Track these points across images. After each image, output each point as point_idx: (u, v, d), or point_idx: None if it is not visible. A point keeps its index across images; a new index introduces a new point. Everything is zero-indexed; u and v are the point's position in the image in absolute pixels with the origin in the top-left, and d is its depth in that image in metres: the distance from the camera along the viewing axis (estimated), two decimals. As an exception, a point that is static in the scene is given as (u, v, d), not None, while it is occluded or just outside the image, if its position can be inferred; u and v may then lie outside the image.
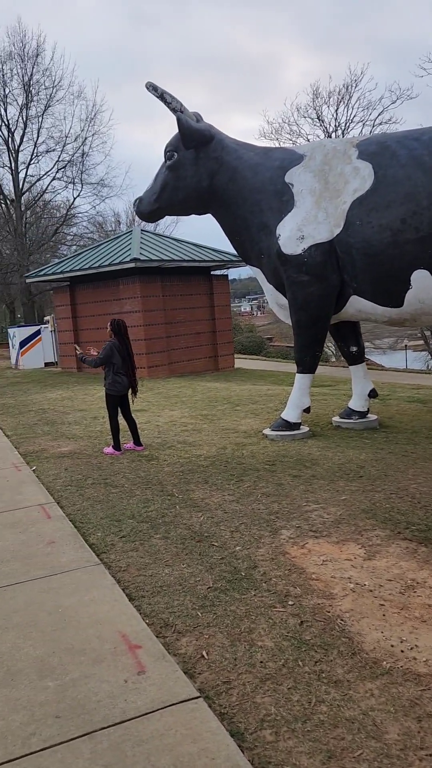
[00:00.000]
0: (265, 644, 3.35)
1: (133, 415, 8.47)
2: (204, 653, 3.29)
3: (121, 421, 8.28)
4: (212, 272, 19.13)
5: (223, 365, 19.06)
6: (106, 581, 4.21)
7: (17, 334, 22.48)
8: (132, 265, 15.76)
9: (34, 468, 7.52)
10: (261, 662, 3.18)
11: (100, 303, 17.97)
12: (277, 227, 8.26)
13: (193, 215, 9.47)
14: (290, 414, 8.57)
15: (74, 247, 33.98)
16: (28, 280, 20.20)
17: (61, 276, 18.22)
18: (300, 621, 3.56)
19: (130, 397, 8.34)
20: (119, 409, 8.32)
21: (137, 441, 8.27)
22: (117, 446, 8.10)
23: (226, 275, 19.45)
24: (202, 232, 38.43)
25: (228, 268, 19.33)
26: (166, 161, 8.94)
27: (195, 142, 8.59)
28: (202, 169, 8.74)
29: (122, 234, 19.29)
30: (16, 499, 6.32)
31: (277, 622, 3.57)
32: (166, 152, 8.90)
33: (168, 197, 9.02)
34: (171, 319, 17.38)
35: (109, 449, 8.11)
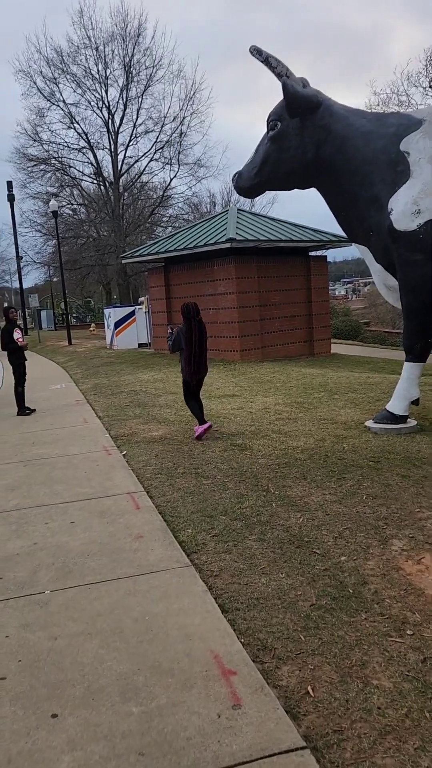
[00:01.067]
0: (382, 684, 2.84)
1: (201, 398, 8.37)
2: (309, 689, 2.83)
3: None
4: (310, 253, 18.37)
5: (319, 350, 18.33)
6: (196, 587, 3.83)
7: (112, 314, 22.73)
8: (227, 245, 15.32)
9: (125, 453, 7.30)
10: (378, 708, 2.67)
11: (193, 284, 17.70)
12: (389, 201, 7.51)
13: (295, 190, 8.86)
14: (397, 406, 7.87)
15: (169, 228, 34.04)
16: (123, 261, 20.25)
17: (155, 257, 18.10)
18: (423, 657, 3.02)
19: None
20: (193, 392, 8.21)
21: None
22: (201, 421, 7.91)
23: (325, 256, 18.63)
24: (299, 212, 37.36)
25: (327, 248, 18.50)
26: (268, 132, 8.37)
27: (301, 110, 7.96)
28: (308, 138, 8.10)
29: (218, 214, 18.88)
30: (106, 485, 6.08)
31: (394, 656, 3.04)
32: (268, 122, 8.32)
33: (270, 171, 8.46)
34: (266, 301, 16.84)
35: (198, 428, 7.83)
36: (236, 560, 4.21)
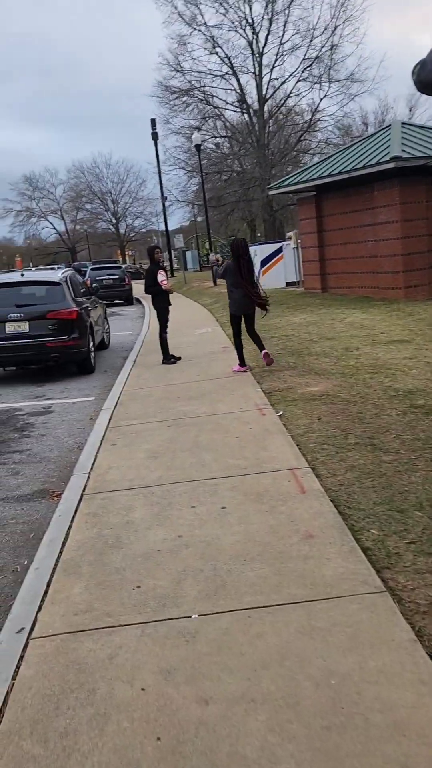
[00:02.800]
0: None
1: (256, 329, 8.78)
2: None
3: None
4: None
5: None
6: (399, 632, 2.71)
7: (258, 252, 21.45)
8: (392, 165, 13.29)
9: (281, 413, 6.24)
10: None
11: (349, 214, 15.87)
12: None
13: None
14: None
15: (316, 156, 31.56)
16: (270, 192, 18.76)
17: (306, 185, 16.41)
18: None
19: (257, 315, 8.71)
20: (242, 327, 8.64)
21: (263, 351, 8.50)
22: (242, 362, 8.58)
23: None
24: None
25: None
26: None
27: None
28: None
29: (378, 131, 16.62)
30: (261, 456, 5.07)
31: None
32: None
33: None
34: (435, 229, 14.62)
35: (236, 367, 8.55)
36: (450, 588, 3.01)
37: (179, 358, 9.96)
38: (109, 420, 6.76)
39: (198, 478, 4.75)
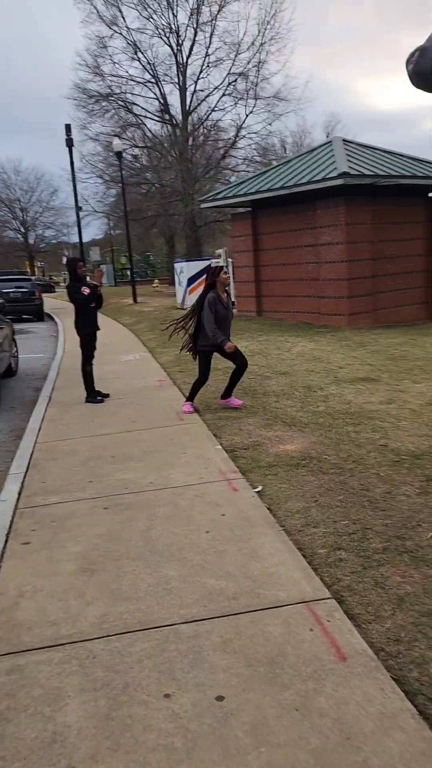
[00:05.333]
0: None
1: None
2: None
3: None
4: (429, 194, 14.99)
5: (438, 314, 15.13)
6: None
7: (185, 269, 19.94)
8: (340, 181, 12.19)
9: (259, 488, 4.63)
10: None
11: (289, 233, 14.67)
12: None
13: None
14: None
15: (233, 177, 30.59)
16: (203, 206, 17.32)
17: (242, 200, 15.08)
18: None
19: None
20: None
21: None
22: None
23: (449, 198, 15.19)
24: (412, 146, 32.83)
25: (455, 188, 15.06)
26: None
27: None
28: None
29: (318, 146, 15.59)
30: (253, 572, 3.42)
31: None
32: None
33: None
34: (379, 254, 13.71)
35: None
36: None
37: (107, 395, 8.16)
38: (19, 494, 4.88)
39: (164, 620, 3.04)
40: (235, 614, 3.03)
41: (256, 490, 4.60)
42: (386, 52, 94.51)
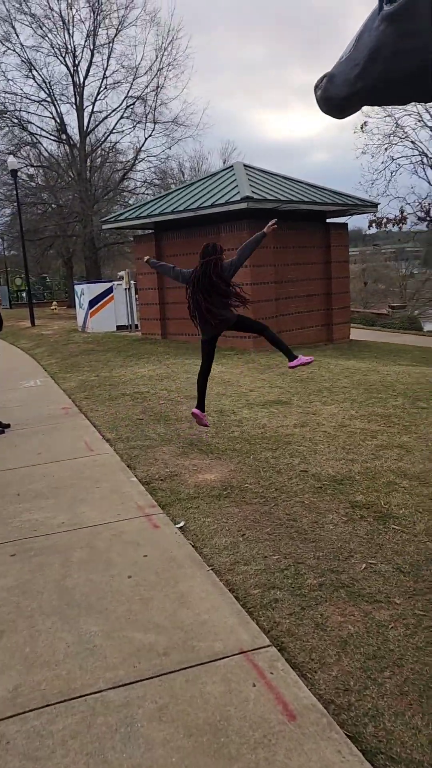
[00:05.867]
0: None
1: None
2: None
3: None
4: (328, 220, 15.51)
5: (338, 336, 15.59)
6: None
7: (86, 291, 19.38)
8: (244, 205, 12.29)
9: (182, 524, 4.35)
10: None
11: (193, 255, 14.50)
12: None
13: (410, 105, 5.94)
14: None
15: (132, 199, 30.46)
16: (105, 227, 16.93)
17: (145, 221, 14.87)
18: None
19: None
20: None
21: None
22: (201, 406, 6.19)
23: (345, 224, 15.79)
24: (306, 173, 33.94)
25: (351, 214, 15.68)
26: (381, 7, 5.36)
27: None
28: (450, 17, 5.16)
29: (221, 170, 15.74)
30: (183, 620, 3.12)
31: None
32: (383, -8, 5.32)
33: (383, 70, 5.37)
34: (282, 277, 13.93)
35: (196, 412, 6.15)
36: None
37: (8, 426, 7.58)
38: None
39: (89, 686, 2.67)
40: (168, 673, 2.73)
41: (179, 525, 4.31)
42: (276, 86, 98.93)
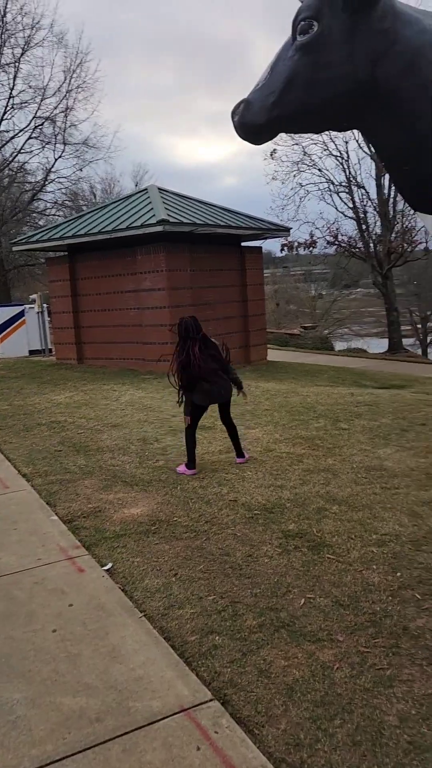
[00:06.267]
0: None
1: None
2: None
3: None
4: (242, 243, 15.68)
5: (255, 357, 15.70)
6: None
7: (-5, 315, 18.59)
8: (159, 228, 12.17)
9: (110, 566, 4.07)
10: None
11: (109, 278, 14.31)
12: None
13: (328, 132, 6.05)
14: None
15: (43, 221, 29.75)
16: (15, 248, 16.28)
17: (58, 243, 14.44)
18: None
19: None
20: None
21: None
22: (191, 463, 6.14)
23: (260, 248, 15.99)
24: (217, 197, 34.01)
25: (266, 238, 15.91)
26: (295, 37, 5.45)
27: (357, 1, 5.15)
28: (361, 48, 5.29)
29: (134, 193, 15.56)
30: (116, 678, 2.85)
31: None
32: (297, 23, 5.39)
33: (298, 98, 5.50)
34: (198, 299, 13.88)
35: (182, 469, 6.13)
36: None
37: None
38: None
39: (12, 768, 2.37)
40: (103, 743, 2.47)
41: (106, 568, 4.03)
42: (185, 112, 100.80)
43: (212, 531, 4.56)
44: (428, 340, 38.53)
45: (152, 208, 13.16)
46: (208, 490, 5.52)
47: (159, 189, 14.98)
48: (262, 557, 4.07)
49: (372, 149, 23.37)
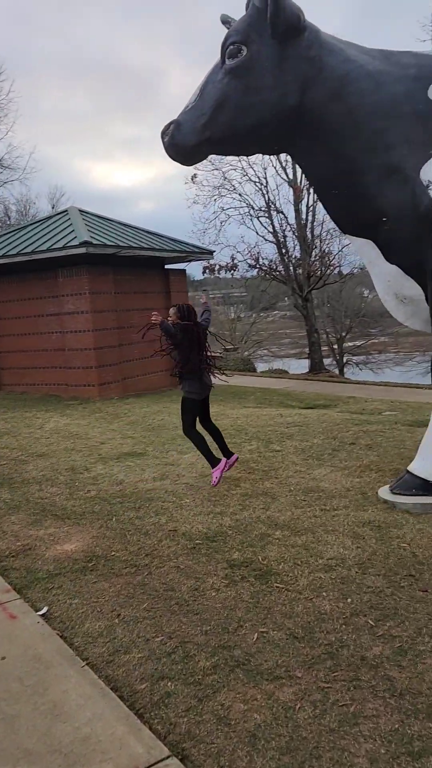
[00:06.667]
0: None
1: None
2: None
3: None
4: (166, 266, 15.61)
5: (182, 380, 15.56)
6: None
7: None
8: (83, 250, 11.89)
9: (45, 610, 3.75)
10: None
11: (30, 301, 13.81)
12: (421, 171, 5.11)
13: (257, 156, 6.07)
14: (428, 467, 5.43)
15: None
16: None
17: (-27, 265, 13.83)
18: None
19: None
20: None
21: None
22: (213, 461, 6.21)
23: (184, 270, 15.96)
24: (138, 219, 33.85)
25: (189, 261, 15.90)
26: (224, 61, 5.45)
27: (286, 26, 5.21)
28: (290, 74, 5.35)
29: (55, 215, 15.18)
30: (59, 741, 2.58)
31: None
32: (226, 47, 5.40)
33: (227, 122, 5.50)
34: (124, 323, 13.63)
35: (215, 472, 6.14)
36: None
37: None
38: None
39: None
40: None
41: (41, 612, 3.72)
42: (100, 136, 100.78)
43: (153, 565, 4.33)
44: (344, 360, 39.79)
45: (74, 230, 12.87)
46: (146, 520, 5.28)
47: (80, 210, 14.71)
48: (208, 590, 3.89)
49: (289, 175, 24.13)
